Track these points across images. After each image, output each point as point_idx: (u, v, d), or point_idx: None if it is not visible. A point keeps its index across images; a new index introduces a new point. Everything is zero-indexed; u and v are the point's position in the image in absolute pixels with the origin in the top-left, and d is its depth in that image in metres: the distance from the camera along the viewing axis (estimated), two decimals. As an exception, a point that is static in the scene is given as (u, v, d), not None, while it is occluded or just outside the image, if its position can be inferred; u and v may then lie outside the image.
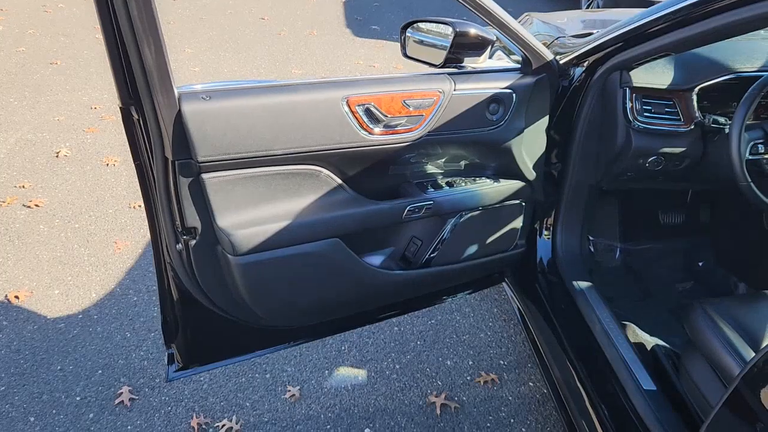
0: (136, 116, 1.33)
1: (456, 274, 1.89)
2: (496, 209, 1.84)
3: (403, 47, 1.82)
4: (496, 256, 1.94)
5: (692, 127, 1.82)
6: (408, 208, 1.65)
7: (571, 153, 1.93)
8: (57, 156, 3.67)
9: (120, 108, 1.32)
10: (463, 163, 1.77)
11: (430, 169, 1.74)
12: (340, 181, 1.57)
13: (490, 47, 1.70)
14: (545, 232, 2.06)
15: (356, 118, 1.49)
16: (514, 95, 1.68)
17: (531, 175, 1.83)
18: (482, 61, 1.72)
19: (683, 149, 1.85)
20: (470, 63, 1.70)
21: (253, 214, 1.47)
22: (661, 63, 1.83)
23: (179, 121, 1.28)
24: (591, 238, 2.31)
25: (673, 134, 1.83)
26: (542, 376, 2.02)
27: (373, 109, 1.50)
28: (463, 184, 1.75)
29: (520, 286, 2.10)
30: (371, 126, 1.51)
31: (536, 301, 2.05)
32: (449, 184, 1.74)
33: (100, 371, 2.17)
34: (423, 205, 1.67)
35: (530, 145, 1.79)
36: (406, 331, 2.41)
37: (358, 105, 1.48)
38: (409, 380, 2.19)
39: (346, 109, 1.46)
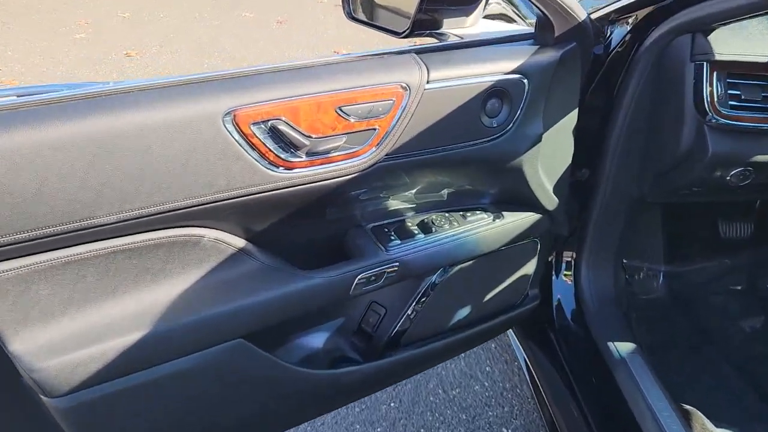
0: None
1: (438, 354, 1.27)
2: (499, 252, 1.21)
3: (347, 3, 1.14)
4: (498, 320, 1.32)
5: None
6: (359, 277, 1.01)
7: (607, 155, 1.29)
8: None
9: None
10: (445, 192, 1.12)
11: (394, 204, 1.09)
12: (239, 246, 0.93)
13: (484, 1, 1.04)
14: (565, 271, 1.44)
15: (253, 144, 0.84)
16: (526, 82, 1.03)
17: (551, 202, 1.20)
18: (472, 25, 1.05)
19: None
20: (453, 29, 1.05)
21: (76, 324, 0.83)
22: (756, 24, 1.18)
23: None
24: (624, 260, 1.69)
25: None
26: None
27: (283, 127, 0.85)
28: (447, 225, 1.11)
29: (530, 339, 1.50)
30: (283, 155, 0.86)
31: (553, 363, 1.45)
32: (425, 227, 1.10)
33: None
34: (382, 270, 1.03)
35: (551, 158, 1.15)
36: (376, 386, 1.80)
37: (255, 123, 0.83)
38: (380, 466, 1.60)
39: (233, 130, 0.81)
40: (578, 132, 1.20)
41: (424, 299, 1.18)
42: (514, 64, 1.01)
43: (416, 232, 1.08)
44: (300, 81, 0.86)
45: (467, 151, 1.02)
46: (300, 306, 0.99)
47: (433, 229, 1.09)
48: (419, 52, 0.97)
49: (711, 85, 1.13)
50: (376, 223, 1.09)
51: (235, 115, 0.81)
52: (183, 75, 0.83)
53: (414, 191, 1.08)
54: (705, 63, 1.12)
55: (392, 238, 1.06)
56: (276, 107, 0.84)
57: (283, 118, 0.85)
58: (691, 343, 1.56)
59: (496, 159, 1.06)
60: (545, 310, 1.43)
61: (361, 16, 1.12)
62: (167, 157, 0.78)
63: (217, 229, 0.91)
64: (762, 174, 1.23)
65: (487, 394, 1.79)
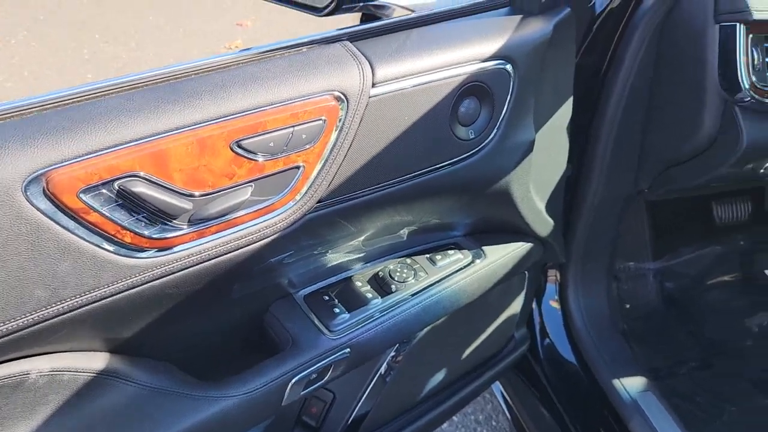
0: None
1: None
2: (479, 297, 0.90)
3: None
4: (484, 377, 1.02)
5: None
6: (294, 382, 0.68)
7: (597, 147, 1.00)
8: None
9: None
10: (405, 231, 0.79)
11: (335, 258, 0.76)
12: (96, 367, 0.59)
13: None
14: (549, 297, 1.15)
15: (89, 223, 0.48)
16: (510, 70, 0.70)
17: (545, 227, 0.89)
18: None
19: None
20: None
21: None
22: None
23: None
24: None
25: None
26: None
27: (142, 187, 0.50)
28: (412, 277, 0.79)
29: (516, 388, 1.21)
30: (149, 231, 0.52)
31: (544, 404, 1.17)
32: (381, 285, 0.78)
33: None
34: (328, 362, 0.71)
35: (543, 169, 0.84)
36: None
37: (89, 189, 0.47)
38: None
39: (48, 206, 0.46)
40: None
41: (385, 375, 0.86)
42: (492, 46, 0.68)
43: (369, 295, 0.75)
44: (164, 105, 0.51)
45: (436, 177, 0.70)
46: None
47: (393, 286, 0.77)
48: (354, 37, 0.63)
49: (746, 53, 0.84)
50: (311, 288, 0.75)
51: (47, 181, 0.45)
52: None
53: (362, 239, 0.75)
54: (738, 25, 0.83)
55: (336, 310, 0.73)
56: (124, 156, 0.48)
57: (141, 173, 0.49)
58: (700, 358, 1.32)
59: (475, 182, 0.75)
60: (531, 354, 1.15)
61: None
62: None
63: (53, 352, 0.56)
64: None
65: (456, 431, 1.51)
